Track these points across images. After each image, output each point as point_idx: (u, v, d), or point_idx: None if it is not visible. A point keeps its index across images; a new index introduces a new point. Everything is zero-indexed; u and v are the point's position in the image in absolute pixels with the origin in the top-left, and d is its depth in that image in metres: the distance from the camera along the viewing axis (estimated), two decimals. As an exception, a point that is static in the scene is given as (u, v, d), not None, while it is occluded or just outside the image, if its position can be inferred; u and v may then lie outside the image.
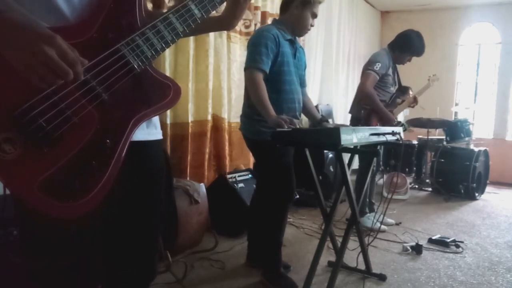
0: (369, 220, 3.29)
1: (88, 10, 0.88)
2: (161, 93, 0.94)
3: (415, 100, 3.51)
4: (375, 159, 2.47)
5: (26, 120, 0.77)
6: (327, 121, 2.39)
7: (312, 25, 2.33)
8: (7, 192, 0.86)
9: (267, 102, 2.11)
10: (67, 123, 0.81)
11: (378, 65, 3.16)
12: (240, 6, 1.16)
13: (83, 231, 0.93)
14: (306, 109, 2.48)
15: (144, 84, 0.92)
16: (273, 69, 2.18)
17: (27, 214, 0.90)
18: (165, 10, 0.98)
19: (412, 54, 3.34)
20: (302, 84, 2.46)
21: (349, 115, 3.56)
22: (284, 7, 2.34)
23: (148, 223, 1.07)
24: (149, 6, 2.70)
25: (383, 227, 3.28)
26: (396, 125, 3.35)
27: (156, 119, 1.07)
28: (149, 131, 1.03)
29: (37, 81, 0.74)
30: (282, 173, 2.26)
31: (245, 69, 2.18)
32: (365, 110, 3.29)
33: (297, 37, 2.39)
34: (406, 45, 3.29)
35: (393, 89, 3.46)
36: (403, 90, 3.63)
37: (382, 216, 2.39)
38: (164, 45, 0.93)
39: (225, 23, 1.21)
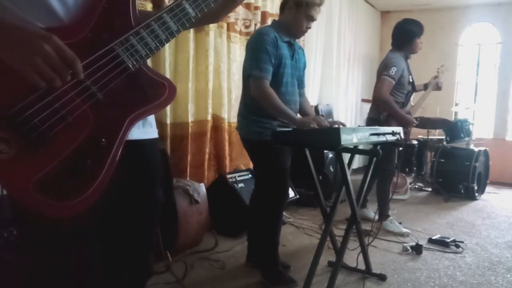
0: (391, 225, 3.36)
1: (82, 10, 0.88)
2: (156, 92, 0.94)
3: (437, 85, 3.49)
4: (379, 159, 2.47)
5: (21, 119, 0.77)
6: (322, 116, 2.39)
7: (308, 27, 2.30)
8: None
9: (286, 108, 2.15)
10: (62, 122, 0.81)
11: (394, 69, 3.11)
12: (234, 3, 1.18)
13: (80, 230, 0.93)
14: (303, 109, 2.49)
15: (139, 83, 0.92)
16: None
17: (24, 214, 0.90)
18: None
19: (418, 36, 3.26)
20: (301, 85, 2.46)
21: (350, 115, 3.55)
22: (281, 8, 2.34)
23: (144, 222, 1.07)
24: (149, 6, 2.70)
25: (405, 230, 3.31)
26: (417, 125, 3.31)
27: (151, 118, 1.07)
28: (144, 130, 1.03)
29: (37, 79, 0.75)
30: (276, 174, 2.27)
31: (252, 77, 2.17)
32: (384, 114, 3.22)
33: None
34: (408, 35, 3.25)
35: (409, 88, 3.38)
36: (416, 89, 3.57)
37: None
38: (158, 44, 0.93)
39: (214, 17, 1.23)
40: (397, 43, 3.30)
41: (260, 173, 2.41)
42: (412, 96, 3.42)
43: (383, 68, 3.18)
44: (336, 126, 2.24)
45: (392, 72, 3.10)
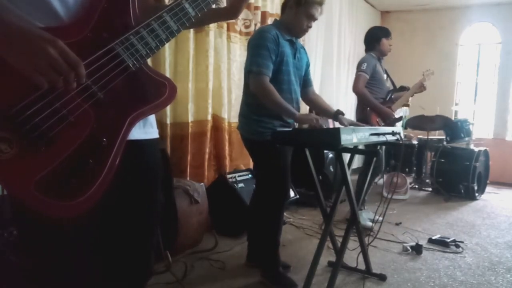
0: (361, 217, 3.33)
1: (82, 9, 0.88)
2: (156, 91, 0.94)
3: (420, 87, 3.62)
4: (375, 158, 2.47)
5: (22, 119, 0.77)
6: (343, 114, 2.39)
7: (309, 26, 2.30)
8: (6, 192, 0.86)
9: (285, 104, 2.15)
10: (63, 122, 0.81)
11: (364, 65, 3.40)
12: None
13: (80, 230, 0.93)
14: (318, 106, 2.50)
15: (140, 82, 0.92)
16: (272, 68, 2.19)
17: (24, 213, 0.90)
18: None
19: (384, 37, 3.54)
20: (308, 83, 2.47)
21: (350, 115, 3.61)
22: (283, 7, 2.34)
23: (144, 222, 1.07)
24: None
25: (368, 223, 3.27)
26: (396, 120, 3.40)
27: (152, 118, 1.07)
28: (145, 130, 1.03)
29: (41, 81, 0.75)
30: (277, 174, 2.27)
31: (251, 73, 2.17)
32: (364, 110, 3.42)
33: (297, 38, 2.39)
34: (374, 36, 3.57)
35: (388, 85, 3.62)
36: (400, 89, 3.72)
37: (374, 214, 2.39)
38: (158, 44, 0.93)
39: (231, 13, 1.23)
40: (368, 45, 3.62)
41: (260, 173, 2.42)
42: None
43: (356, 68, 3.48)
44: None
45: (363, 67, 3.39)
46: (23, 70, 0.75)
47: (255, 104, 2.21)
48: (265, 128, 2.22)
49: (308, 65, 2.46)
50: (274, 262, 2.35)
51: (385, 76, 3.59)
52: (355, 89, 3.39)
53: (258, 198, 2.47)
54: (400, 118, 3.49)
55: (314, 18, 2.27)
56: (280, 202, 2.34)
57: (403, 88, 3.72)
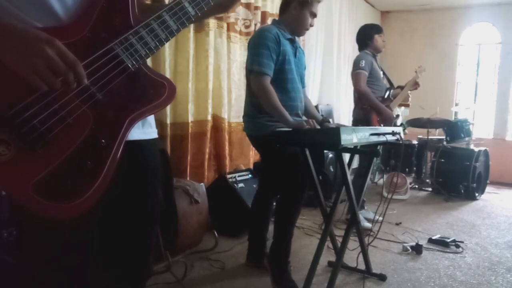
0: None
1: (81, 9, 0.87)
2: (155, 92, 0.93)
3: (415, 84, 3.62)
4: (374, 159, 2.46)
5: (20, 121, 0.76)
6: (329, 122, 2.38)
7: (311, 25, 2.33)
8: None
9: (281, 108, 2.11)
10: (61, 123, 0.80)
11: (363, 62, 3.36)
12: None
13: (79, 231, 0.92)
14: (307, 110, 2.47)
15: (139, 83, 0.92)
16: (275, 68, 2.18)
17: (23, 215, 0.90)
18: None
19: (376, 34, 3.54)
20: (302, 84, 2.46)
21: (350, 115, 3.61)
22: (283, 8, 2.34)
23: (143, 223, 1.06)
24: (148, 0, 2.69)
25: (367, 224, 3.27)
26: (396, 119, 3.40)
27: (151, 118, 1.06)
28: (144, 130, 1.02)
29: (38, 82, 0.75)
30: (293, 165, 2.21)
31: (252, 73, 2.16)
32: (364, 110, 3.39)
33: (296, 37, 2.40)
34: (366, 34, 3.56)
35: (385, 83, 3.60)
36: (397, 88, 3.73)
37: (374, 214, 2.38)
38: (158, 44, 0.92)
39: (224, 7, 1.21)
40: (360, 43, 3.60)
41: (274, 168, 2.34)
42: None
43: (353, 67, 3.44)
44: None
45: (362, 64, 3.35)
46: (20, 71, 0.74)
47: (260, 103, 2.19)
48: (274, 121, 2.18)
49: (304, 67, 2.47)
50: (284, 255, 2.30)
51: (381, 73, 3.58)
52: (358, 87, 3.34)
53: (280, 195, 2.37)
54: (397, 117, 3.48)
55: (316, 16, 2.32)
56: (298, 194, 2.25)
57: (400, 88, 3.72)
